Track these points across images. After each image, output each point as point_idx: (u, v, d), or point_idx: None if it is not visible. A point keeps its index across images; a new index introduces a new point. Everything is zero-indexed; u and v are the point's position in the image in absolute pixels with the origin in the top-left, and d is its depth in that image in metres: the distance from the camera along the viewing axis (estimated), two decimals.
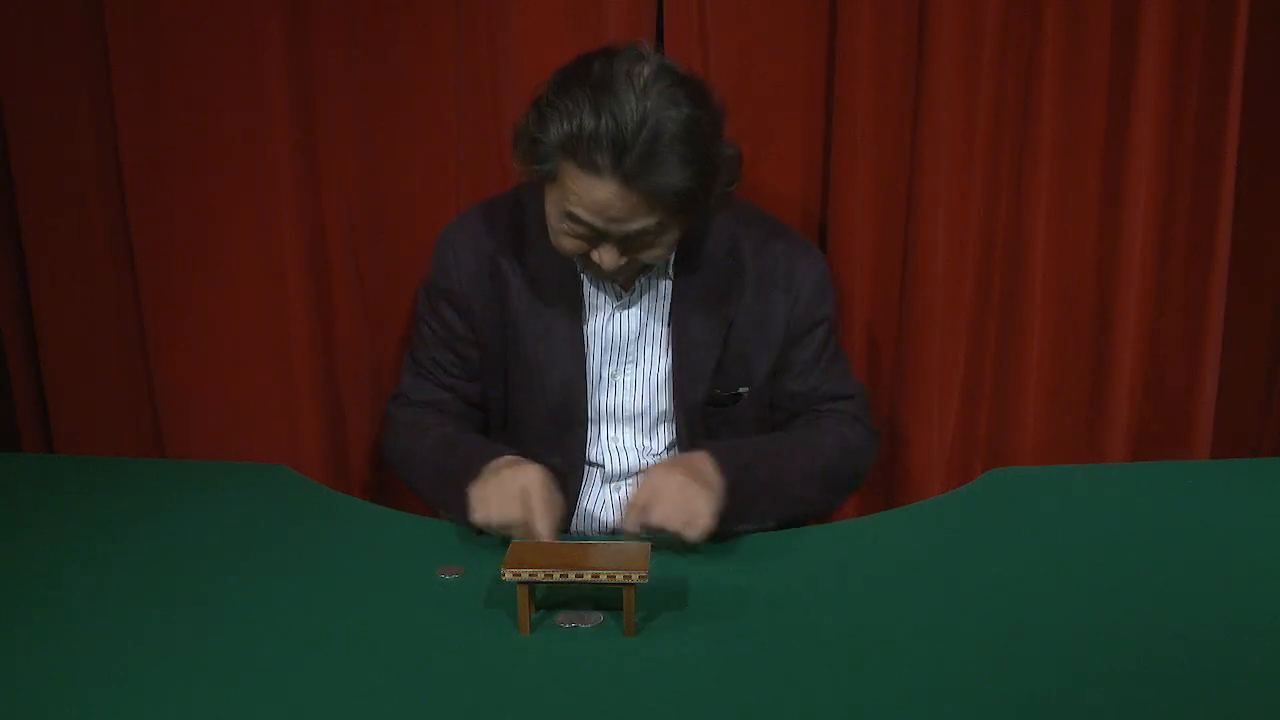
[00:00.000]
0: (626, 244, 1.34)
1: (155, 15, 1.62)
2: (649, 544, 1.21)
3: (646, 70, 1.26)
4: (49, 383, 1.79)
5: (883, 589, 1.28)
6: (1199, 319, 1.86)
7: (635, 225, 1.31)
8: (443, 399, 1.56)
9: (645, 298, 1.50)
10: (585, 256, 1.37)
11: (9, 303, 1.78)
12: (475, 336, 1.53)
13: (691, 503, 1.27)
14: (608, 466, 1.54)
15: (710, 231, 1.49)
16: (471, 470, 1.33)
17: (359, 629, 1.17)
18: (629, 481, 1.55)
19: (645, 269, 1.46)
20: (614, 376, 1.52)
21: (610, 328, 1.50)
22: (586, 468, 1.55)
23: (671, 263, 1.49)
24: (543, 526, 1.25)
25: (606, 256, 1.34)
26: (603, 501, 1.56)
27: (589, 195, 1.28)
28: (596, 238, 1.33)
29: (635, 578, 1.13)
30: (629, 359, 1.52)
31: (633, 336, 1.51)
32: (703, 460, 1.33)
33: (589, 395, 1.51)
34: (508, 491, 1.28)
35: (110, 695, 1.05)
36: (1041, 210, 1.79)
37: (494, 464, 1.34)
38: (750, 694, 1.06)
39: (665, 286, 1.50)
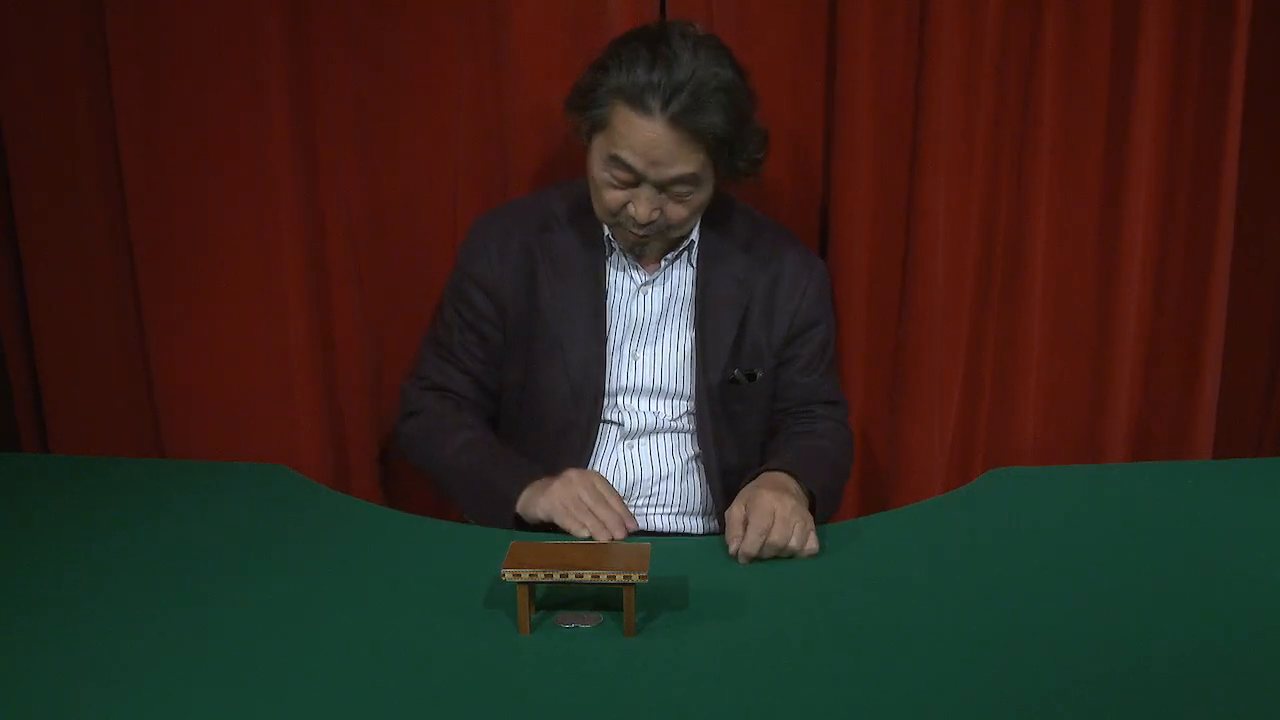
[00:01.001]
0: (662, 192, 1.45)
1: (155, 15, 1.62)
2: (648, 544, 1.21)
3: (698, 33, 1.44)
4: (46, 383, 1.79)
5: (883, 589, 1.28)
6: (1199, 319, 1.86)
7: (674, 170, 1.43)
8: (462, 384, 1.63)
9: (667, 283, 1.59)
10: (618, 215, 1.47)
11: (7, 304, 1.78)
12: (501, 319, 1.60)
13: (805, 522, 1.37)
14: (626, 425, 1.60)
15: (731, 228, 1.61)
16: (516, 482, 1.45)
17: (359, 629, 1.17)
18: (640, 440, 1.61)
19: (672, 242, 1.56)
20: (634, 355, 1.59)
21: (632, 308, 1.59)
22: (603, 425, 1.61)
23: (694, 253, 1.60)
24: (617, 506, 1.38)
25: (642, 206, 1.45)
26: (616, 459, 1.61)
27: (638, 135, 1.40)
28: (636, 184, 1.45)
29: (635, 578, 1.13)
30: (649, 339, 1.59)
31: (654, 318, 1.60)
32: (790, 481, 1.44)
33: (608, 370, 1.58)
34: (575, 484, 1.39)
35: (110, 695, 1.05)
36: (1041, 210, 1.79)
37: (539, 478, 1.44)
38: (750, 694, 1.06)
39: (688, 274, 1.60)
